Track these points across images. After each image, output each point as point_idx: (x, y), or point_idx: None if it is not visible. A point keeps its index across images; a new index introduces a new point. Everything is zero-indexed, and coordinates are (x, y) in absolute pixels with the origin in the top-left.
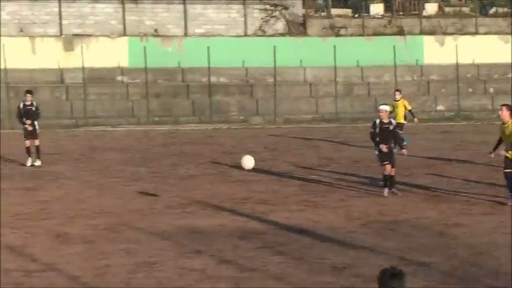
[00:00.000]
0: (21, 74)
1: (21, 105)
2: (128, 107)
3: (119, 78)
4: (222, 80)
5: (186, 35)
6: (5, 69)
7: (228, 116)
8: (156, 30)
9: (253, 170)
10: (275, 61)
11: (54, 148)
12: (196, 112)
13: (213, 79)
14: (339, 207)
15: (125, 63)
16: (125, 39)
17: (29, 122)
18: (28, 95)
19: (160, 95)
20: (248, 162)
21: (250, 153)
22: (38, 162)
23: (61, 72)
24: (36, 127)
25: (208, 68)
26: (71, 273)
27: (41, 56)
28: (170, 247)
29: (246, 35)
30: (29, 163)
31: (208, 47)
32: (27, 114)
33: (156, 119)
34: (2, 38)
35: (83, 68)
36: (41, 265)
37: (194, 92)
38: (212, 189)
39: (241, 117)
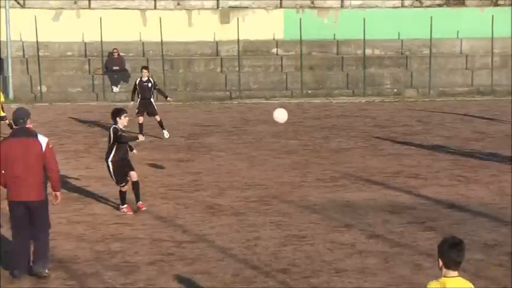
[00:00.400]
0: (177, 47)
1: (138, 81)
2: (282, 80)
3: (274, 50)
4: (377, 52)
5: (342, 6)
6: (161, 42)
7: (382, 88)
8: (312, 2)
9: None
10: (431, 33)
11: (208, 120)
12: (349, 85)
13: (368, 51)
14: (491, 183)
15: (280, 35)
16: (281, 11)
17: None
18: (144, 70)
19: (314, 68)
20: (280, 115)
21: (402, 126)
22: (166, 135)
23: (216, 44)
24: (153, 103)
25: (364, 40)
26: (221, 244)
27: (197, 28)
28: (320, 220)
29: (402, 6)
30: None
31: (364, 19)
32: (142, 90)
33: (310, 91)
34: (159, 11)
35: (238, 41)
36: (192, 236)
37: (348, 65)
38: (364, 163)
39: (395, 90)
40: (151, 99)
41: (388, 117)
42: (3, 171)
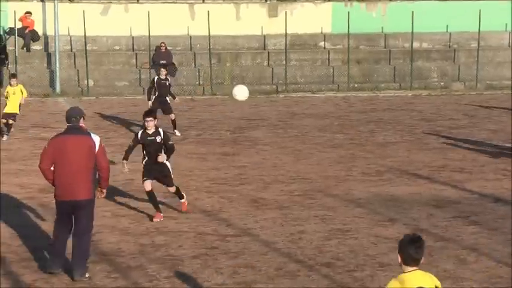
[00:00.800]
0: (225, 41)
1: (156, 79)
2: (329, 73)
3: (321, 44)
4: (425, 45)
5: None
6: (209, 36)
7: (429, 82)
8: None
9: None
10: (479, 25)
11: (254, 114)
12: (396, 78)
13: (416, 44)
14: None
15: (328, 29)
16: (329, 5)
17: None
18: (162, 69)
19: (362, 61)
20: (240, 92)
21: (449, 120)
22: (177, 133)
23: (264, 38)
24: (169, 101)
25: (412, 33)
26: (265, 238)
27: (244, 22)
28: (365, 215)
29: None
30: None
31: (412, 12)
32: (160, 88)
33: (356, 85)
34: (207, 5)
35: (286, 34)
36: (236, 230)
37: (396, 58)
38: (409, 157)
39: (442, 84)
40: (167, 98)
41: (435, 110)
42: (52, 168)
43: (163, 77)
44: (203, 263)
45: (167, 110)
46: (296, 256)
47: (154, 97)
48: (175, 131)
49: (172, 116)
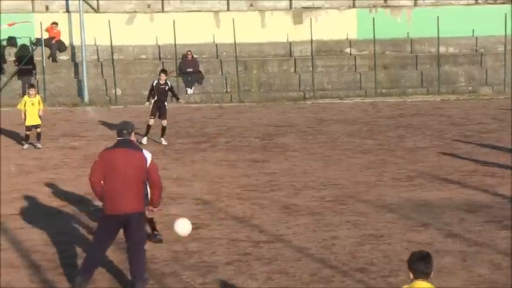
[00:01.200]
0: (251, 48)
1: (155, 83)
2: (356, 79)
3: (347, 50)
4: (451, 50)
5: (415, 5)
6: (235, 44)
7: (456, 86)
8: (385, 1)
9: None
10: (506, 29)
11: (282, 120)
12: (424, 83)
13: (442, 49)
14: None
15: (353, 35)
16: (353, 11)
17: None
18: (162, 74)
19: (388, 67)
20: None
21: (478, 124)
22: (164, 142)
23: (290, 45)
24: (166, 106)
25: (438, 38)
26: (297, 244)
27: (270, 29)
28: (397, 220)
29: (476, 3)
30: (144, 141)
31: (438, 17)
32: (159, 92)
33: (384, 90)
34: (232, 13)
35: (311, 41)
36: (269, 236)
37: (422, 63)
38: (439, 162)
39: (470, 88)
40: (166, 102)
41: (463, 115)
42: (102, 182)
43: (162, 82)
44: (237, 269)
45: (162, 114)
46: (330, 262)
47: (153, 101)
48: (161, 138)
49: (165, 122)
